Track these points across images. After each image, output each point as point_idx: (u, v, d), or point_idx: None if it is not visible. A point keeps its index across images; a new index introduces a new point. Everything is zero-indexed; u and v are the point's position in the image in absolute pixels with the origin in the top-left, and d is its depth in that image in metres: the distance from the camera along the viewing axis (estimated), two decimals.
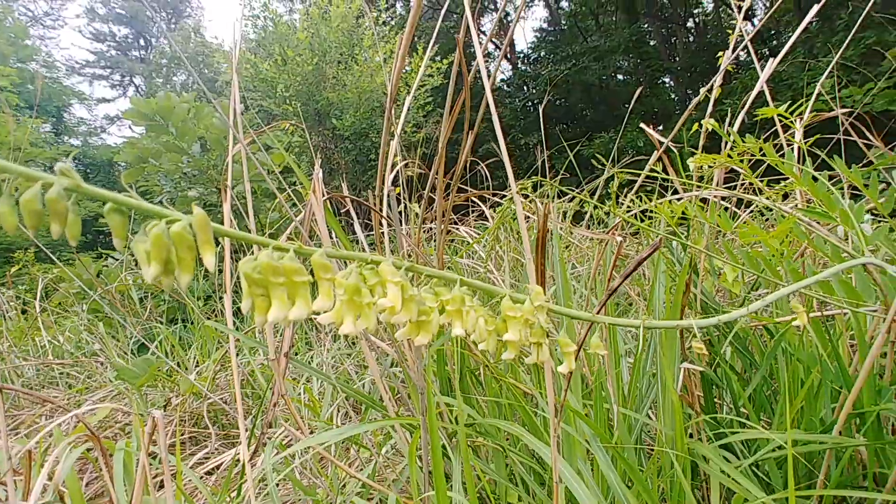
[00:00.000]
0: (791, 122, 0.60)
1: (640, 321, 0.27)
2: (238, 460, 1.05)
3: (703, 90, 0.92)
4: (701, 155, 0.61)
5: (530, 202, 1.33)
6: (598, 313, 0.29)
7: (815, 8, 1.17)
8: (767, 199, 0.65)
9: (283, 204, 0.83)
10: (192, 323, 2.71)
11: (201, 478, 0.98)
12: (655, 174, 0.78)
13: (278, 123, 1.66)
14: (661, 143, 1.02)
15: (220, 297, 3.10)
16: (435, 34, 1.21)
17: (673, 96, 12.71)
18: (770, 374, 0.95)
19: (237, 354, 1.92)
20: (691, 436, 0.85)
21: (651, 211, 0.72)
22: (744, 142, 0.54)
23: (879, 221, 0.81)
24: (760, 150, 0.54)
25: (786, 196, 1.14)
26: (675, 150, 1.08)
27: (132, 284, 3.17)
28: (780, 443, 0.65)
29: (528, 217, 1.45)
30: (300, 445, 0.68)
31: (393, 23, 5.47)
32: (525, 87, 14.67)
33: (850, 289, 0.56)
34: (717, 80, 0.91)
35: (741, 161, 0.56)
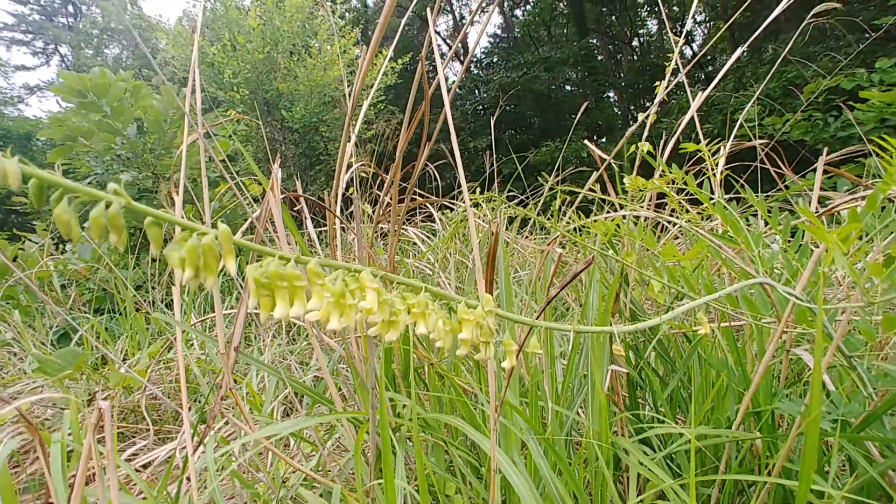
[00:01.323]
0: (708, 157, 0.68)
1: (571, 326, 0.32)
2: (173, 456, 1.03)
3: (640, 116, 1.00)
4: (633, 178, 0.68)
5: (480, 210, 1.38)
6: (537, 318, 0.34)
7: (746, 43, 1.30)
8: (688, 221, 0.73)
9: (238, 196, 0.83)
10: (120, 314, 2.58)
11: (137, 471, 0.95)
12: (593, 193, 0.85)
13: (225, 111, 1.62)
14: (603, 160, 1.10)
15: (153, 287, 2.97)
16: (397, 37, 1.24)
17: (616, 111, 13.30)
18: (687, 377, 1.05)
19: (169, 349, 1.86)
20: (616, 432, 0.93)
21: (586, 226, 0.79)
22: (670, 171, 0.62)
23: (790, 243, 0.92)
24: (683, 179, 0.62)
25: (710, 216, 1.26)
26: (615, 166, 1.16)
27: (54, 271, 2.98)
28: (689, 437, 0.73)
29: (479, 223, 1.51)
30: (248, 438, 0.69)
31: (349, 17, 5.41)
32: (476, 91, 14.89)
33: (750, 303, 0.65)
34: (653, 109, 1.00)
35: (670, 184, 0.63)
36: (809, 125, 3.73)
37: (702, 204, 1.05)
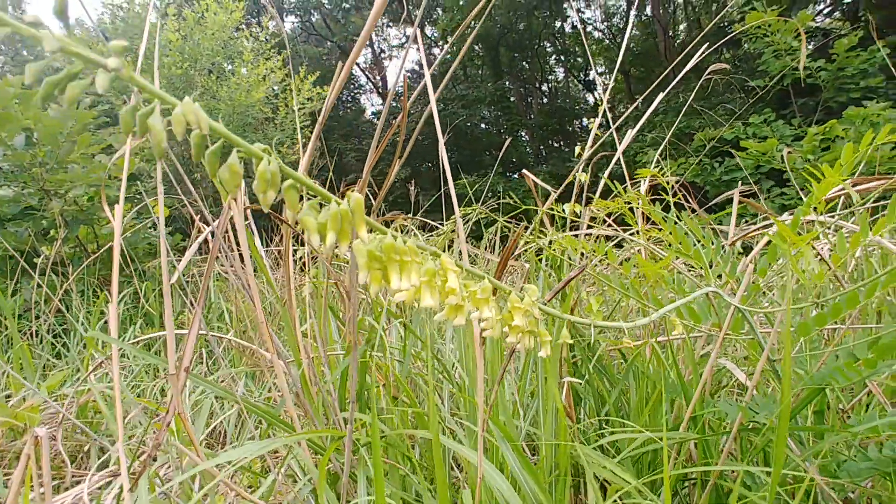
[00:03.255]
0: (626, 196, 0.77)
1: (591, 321, 0.35)
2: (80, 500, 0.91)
3: (580, 166, 1.09)
4: (599, 200, 0.75)
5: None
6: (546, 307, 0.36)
7: (640, 98, 1.45)
8: (648, 239, 0.81)
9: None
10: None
11: None
12: (554, 211, 0.91)
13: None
14: (544, 189, 1.17)
15: (37, 316, 2.63)
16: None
17: (528, 149, 14.09)
18: (620, 390, 1.12)
19: (63, 383, 1.65)
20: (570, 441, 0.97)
21: (544, 246, 0.84)
22: (626, 196, 0.69)
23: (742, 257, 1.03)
24: (625, 201, 0.69)
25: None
26: (554, 193, 1.24)
27: None
28: (640, 441, 0.78)
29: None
30: (199, 468, 0.64)
31: (272, 41, 5.32)
32: (394, 121, 15.10)
33: (693, 313, 0.72)
34: (580, 167, 1.09)
35: (627, 206, 0.70)
36: (699, 168, 4.24)
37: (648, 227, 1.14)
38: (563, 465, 0.77)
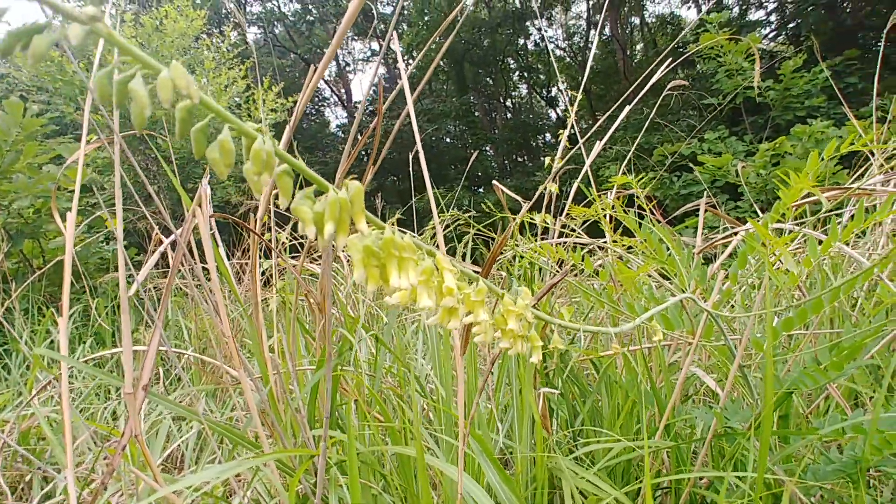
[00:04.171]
0: (600, 203, 0.78)
1: (611, 329, 0.34)
2: None
3: (551, 177, 1.10)
4: (573, 206, 0.75)
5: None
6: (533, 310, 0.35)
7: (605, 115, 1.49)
8: (625, 248, 0.82)
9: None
10: None
11: None
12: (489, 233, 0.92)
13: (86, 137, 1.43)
14: (515, 201, 1.17)
15: None
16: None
17: (493, 164, 14.26)
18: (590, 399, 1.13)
19: (3, 408, 1.54)
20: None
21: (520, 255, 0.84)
22: (601, 203, 0.70)
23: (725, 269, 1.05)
24: (613, 208, 0.70)
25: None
26: (523, 203, 1.25)
27: None
28: (617, 451, 0.77)
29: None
30: (159, 494, 0.59)
31: (234, 51, 5.21)
32: (359, 136, 15.08)
33: (666, 320, 0.73)
34: (552, 178, 1.11)
35: (602, 212, 0.71)
36: (659, 183, 4.39)
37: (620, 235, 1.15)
38: (541, 477, 0.76)
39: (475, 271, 0.36)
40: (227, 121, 0.17)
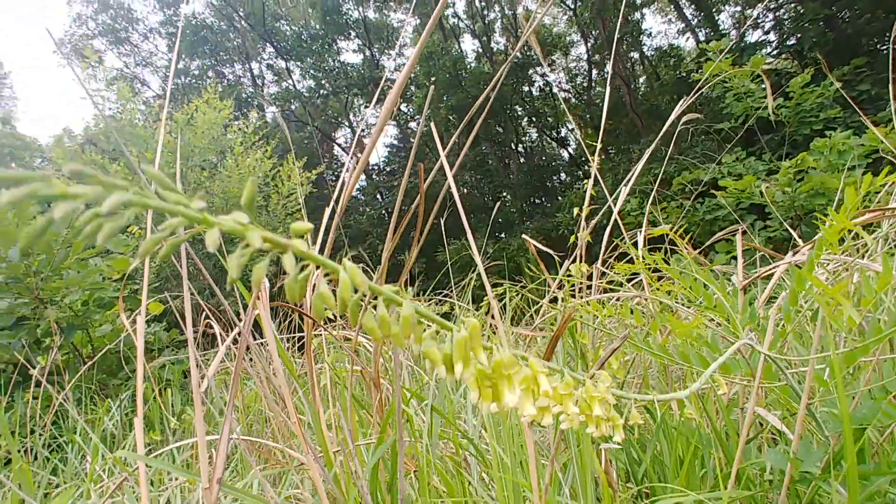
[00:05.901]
0: (647, 258, 0.79)
1: (689, 394, 0.35)
2: None
3: (580, 227, 1.13)
4: (620, 264, 0.77)
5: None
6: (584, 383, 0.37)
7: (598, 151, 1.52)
8: (670, 295, 0.82)
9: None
10: None
11: None
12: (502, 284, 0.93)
13: (126, 227, 1.54)
14: (547, 253, 1.19)
15: (32, 430, 2.53)
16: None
17: (512, 209, 14.39)
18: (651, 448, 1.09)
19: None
20: None
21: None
22: (641, 257, 0.71)
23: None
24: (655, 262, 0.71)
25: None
26: (556, 257, 1.27)
27: None
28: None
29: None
30: None
31: (261, 132, 5.54)
32: (379, 196, 15.52)
33: (724, 366, 0.72)
34: (581, 228, 1.13)
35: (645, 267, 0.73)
36: (682, 211, 4.37)
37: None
38: None
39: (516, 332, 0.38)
40: (379, 293, 0.20)
